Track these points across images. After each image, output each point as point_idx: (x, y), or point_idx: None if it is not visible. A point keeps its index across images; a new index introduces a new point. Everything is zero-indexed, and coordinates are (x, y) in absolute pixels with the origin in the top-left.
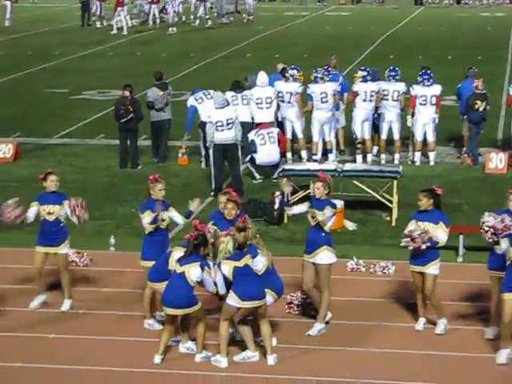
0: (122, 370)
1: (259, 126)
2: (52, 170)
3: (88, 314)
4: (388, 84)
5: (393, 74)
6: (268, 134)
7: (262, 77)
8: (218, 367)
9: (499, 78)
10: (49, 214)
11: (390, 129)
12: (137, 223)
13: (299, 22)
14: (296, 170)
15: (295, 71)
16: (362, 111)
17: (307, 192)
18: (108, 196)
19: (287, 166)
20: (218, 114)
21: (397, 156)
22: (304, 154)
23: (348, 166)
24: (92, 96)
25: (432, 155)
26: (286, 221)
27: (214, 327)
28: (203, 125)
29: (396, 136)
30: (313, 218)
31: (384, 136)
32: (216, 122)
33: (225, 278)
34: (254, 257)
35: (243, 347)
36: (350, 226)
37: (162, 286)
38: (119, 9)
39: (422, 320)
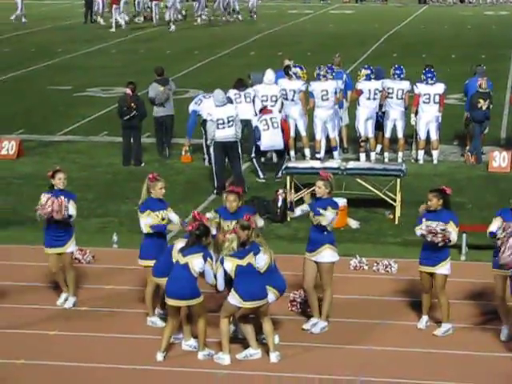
0: (125, 367)
1: (262, 111)
2: (60, 168)
3: (91, 311)
4: (393, 82)
5: (398, 72)
6: (271, 119)
7: (269, 75)
8: (220, 364)
9: (503, 76)
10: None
11: (394, 127)
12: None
13: (303, 20)
14: (299, 167)
15: (298, 69)
16: (365, 109)
17: (310, 190)
18: (111, 193)
19: (290, 164)
20: (219, 111)
21: (400, 154)
22: (307, 151)
23: (351, 164)
24: (95, 93)
25: (435, 153)
26: (288, 219)
27: (215, 324)
28: (205, 123)
29: (400, 134)
30: (314, 217)
31: (388, 134)
32: (217, 120)
33: (226, 273)
34: (255, 254)
35: (245, 345)
36: (354, 224)
37: (165, 281)
38: (114, 6)
39: (424, 318)
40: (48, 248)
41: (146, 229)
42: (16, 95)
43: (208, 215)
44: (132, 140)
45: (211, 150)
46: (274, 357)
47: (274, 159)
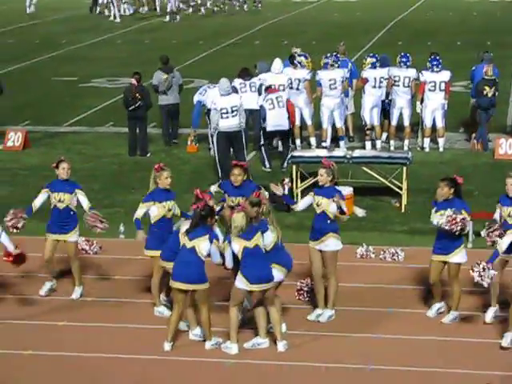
0: (132, 357)
1: (268, 90)
2: (64, 158)
3: (98, 301)
4: (399, 70)
5: (404, 60)
6: (276, 98)
7: (277, 64)
8: (228, 354)
9: (508, 63)
10: (60, 201)
11: (401, 115)
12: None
13: (307, 8)
14: (305, 156)
15: (303, 58)
16: (371, 97)
17: (316, 179)
18: (117, 184)
19: (296, 153)
20: (223, 100)
21: (406, 142)
22: (313, 140)
23: (357, 153)
24: (101, 84)
25: (441, 141)
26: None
27: (222, 313)
28: (209, 113)
29: (406, 122)
30: (318, 205)
31: (394, 122)
32: (221, 109)
33: (233, 254)
34: (263, 232)
35: (253, 334)
36: (360, 212)
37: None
38: None
39: (437, 305)
40: (49, 234)
41: (136, 216)
42: (21, 87)
43: (212, 188)
44: (138, 130)
45: (214, 139)
46: (281, 346)
47: (280, 148)
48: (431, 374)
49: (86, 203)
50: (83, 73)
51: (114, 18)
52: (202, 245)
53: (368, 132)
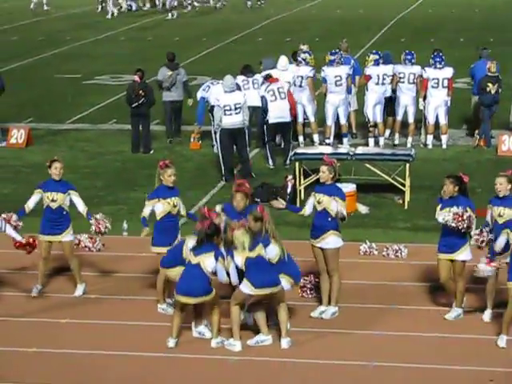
0: (136, 354)
1: (268, 79)
2: (57, 158)
3: (101, 298)
4: (404, 67)
5: (409, 57)
6: (278, 89)
7: (283, 60)
8: (231, 351)
9: (511, 59)
10: (52, 201)
11: (405, 112)
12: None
13: (310, 5)
14: (308, 153)
15: (307, 55)
16: (374, 94)
17: (319, 176)
18: (120, 181)
19: (299, 150)
20: (227, 97)
21: (409, 139)
22: (316, 137)
23: (360, 150)
24: (104, 81)
25: (444, 138)
26: (297, 205)
27: (225, 311)
28: (212, 109)
29: (410, 119)
30: (319, 203)
31: (400, 117)
32: (224, 106)
33: (237, 267)
34: (265, 246)
35: (256, 331)
36: (363, 209)
37: (174, 272)
38: None
39: (458, 310)
40: (42, 235)
41: (143, 214)
42: (25, 84)
43: (217, 208)
44: (141, 127)
45: (217, 136)
46: (285, 343)
47: (283, 145)
48: (434, 370)
49: (81, 206)
50: (86, 70)
51: (112, 14)
52: (207, 261)
53: (371, 129)
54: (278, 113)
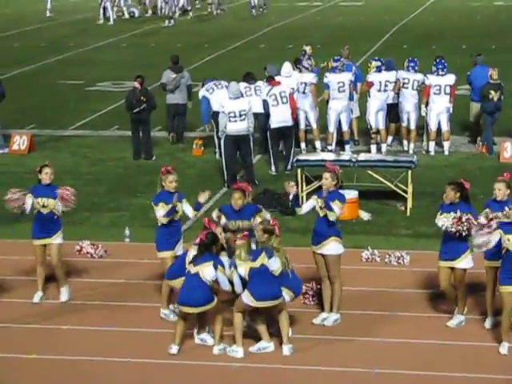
0: (138, 360)
1: (270, 82)
2: (48, 163)
3: (103, 305)
4: (408, 73)
5: (412, 64)
6: (280, 93)
7: (286, 67)
8: (233, 358)
9: None
10: (43, 207)
11: (407, 118)
12: (152, 214)
13: (312, 12)
14: (310, 160)
15: (312, 61)
16: (376, 101)
17: (321, 182)
18: (122, 187)
19: (301, 157)
20: (232, 104)
21: (411, 146)
22: (318, 144)
23: (362, 156)
24: (106, 87)
25: (446, 145)
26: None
27: (228, 319)
28: (215, 115)
29: (412, 126)
30: (321, 208)
31: (405, 123)
32: (229, 113)
33: (241, 277)
34: (269, 257)
35: (258, 338)
36: (365, 216)
37: (177, 282)
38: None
39: (459, 316)
40: (35, 239)
41: (163, 220)
42: (27, 90)
43: (214, 215)
44: (141, 134)
45: (222, 142)
46: (286, 349)
47: (284, 151)
48: (436, 377)
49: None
50: (89, 76)
51: (108, 20)
52: (206, 270)
53: (373, 136)
54: (279, 118)
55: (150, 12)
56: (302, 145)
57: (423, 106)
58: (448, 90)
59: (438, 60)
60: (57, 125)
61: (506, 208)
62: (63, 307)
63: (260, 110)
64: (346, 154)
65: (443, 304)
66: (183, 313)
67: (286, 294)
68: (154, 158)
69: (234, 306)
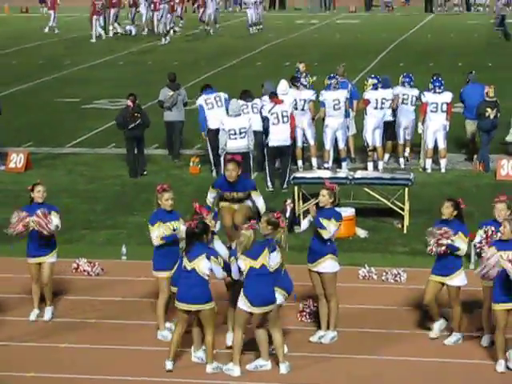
0: (135, 379)
1: (273, 99)
2: (40, 181)
3: (100, 323)
4: (406, 89)
5: (407, 79)
6: (282, 112)
7: (283, 85)
8: (230, 376)
9: (510, 84)
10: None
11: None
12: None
13: (309, 30)
14: (307, 177)
15: (309, 78)
16: (373, 119)
17: (318, 199)
18: (119, 205)
19: (298, 174)
20: (232, 122)
21: (401, 160)
22: (314, 161)
23: (359, 174)
24: (103, 105)
25: (443, 162)
26: (295, 230)
27: (220, 332)
28: (211, 133)
29: (408, 137)
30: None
31: (402, 141)
32: (229, 130)
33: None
34: (271, 251)
35: (255, 355)
36: (362, 233)
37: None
38: (95, 17)
39: (437, 324)
40: (30, 258)
41: (157, 241)
42: (24, 108)
43: (209, 197)
44: (136, 151)
45: (221, 159)
46: (283, 368)
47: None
48: None
49: (55, 222)
50: (85, 94)
51: (100, 38)
52: (202, 264)
53: (370, 153)
54: (279, 136)
55: (146, 30)
56: (299, 162)
57: (420, 124)
58: (445, 107)
59: (435, 77)
60: (54, 143)
61: (501, 228)
62: (60, 325)
63: (258, 127)
64: (343, 172)
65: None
66: (181, 316)
67: (279, 294)
68: (145, 172)
69: (234, 323)
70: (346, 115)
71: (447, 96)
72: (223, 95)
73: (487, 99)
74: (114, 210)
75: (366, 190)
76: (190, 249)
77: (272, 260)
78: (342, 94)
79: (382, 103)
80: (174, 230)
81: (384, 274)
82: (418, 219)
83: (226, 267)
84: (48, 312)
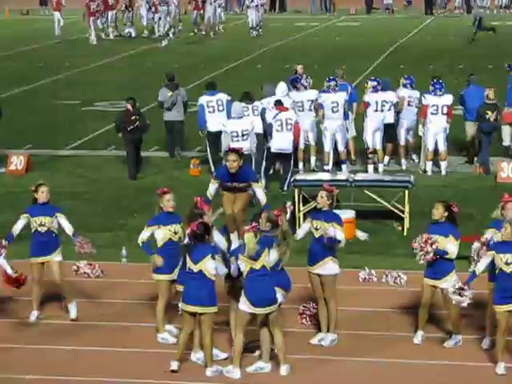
0: (135, 381)
1: (277, 107)
2: (43, 181)
3: (100, 325)
4: (410, 91)
5: (409, 81)
6: (286, 120)
7: (282, 87)
8: (230, 378)
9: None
10: (41, 225)
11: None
12: None
13: (309, 32)
14: (307, 180)
15: (310, 80)
16: (373, 121)
17: (316, 200)
18: (119, 207)
19: (299, 177)
20: (234, 124)
21: (403, 161)
22: (313, 160)
23: (359, 176)
24: (103, 107)
25: (443, 164)
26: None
27: (226, 339)
28: (211, 136)
29: (411, 139)
30: (316, 229)
31: (403, 142)
32: (231, 132)
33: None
34: (270, 248)
35: (255, 358)
36: (362, 235)
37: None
38: (92, 18)
39: (420, 333)
40: (33, 257)
41: (140, 240)
42: (24, 110)
43: (210, 189)
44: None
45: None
46: (284, 370)
47: (282, 171)
48: None
49: (67, 227)
50: (86, 96)
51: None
52: (207, 265)
53: (370, 155)
54: (281, 144)
55: (146, 32)
56: (300, 165)
57: (420, 126)
58: (445, 110)
59: (435, 80)
60: (54, 145)
61: (502, 230)
62: (60, 327)
63: (258, 130)
64: (343, 174)
65: (441, 324)
66: (187, 318)
67: (278, 293)
68: (139, 174)
69: (235, 325)
70: (345, 117)
71: (448, 98)
72: (225, 98)
73: (487, 101)
74: (114, 212)
75: (367, 192)
76: (194, 250)
77: (270, 256)
78: (341, 97)
79: (382, 105)
80: (175, 233)
81: (384, 276)
82: (419, 221)
83: (225, 259)
84: (72, 310)
